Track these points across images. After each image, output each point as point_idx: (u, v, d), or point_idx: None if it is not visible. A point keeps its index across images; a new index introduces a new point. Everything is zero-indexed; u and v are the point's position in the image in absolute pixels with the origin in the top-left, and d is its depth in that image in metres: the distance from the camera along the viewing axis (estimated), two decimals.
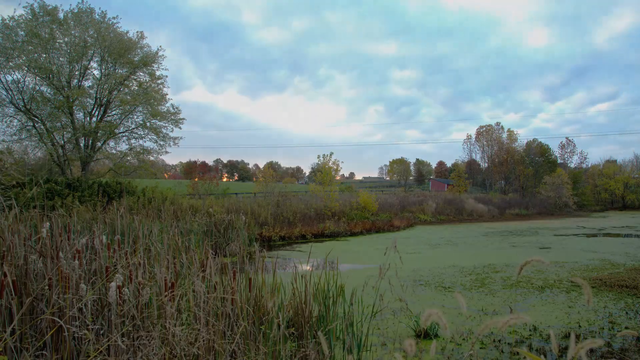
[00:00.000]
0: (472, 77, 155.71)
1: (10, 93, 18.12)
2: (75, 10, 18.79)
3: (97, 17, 19.24)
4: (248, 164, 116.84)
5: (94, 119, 19.97)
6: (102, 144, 20.23)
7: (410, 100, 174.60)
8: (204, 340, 2.86)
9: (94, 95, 19.57)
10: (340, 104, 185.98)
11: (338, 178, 27.22)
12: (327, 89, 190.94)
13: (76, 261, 3.08)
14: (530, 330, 5.16)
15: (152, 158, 22.00)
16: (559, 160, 49.32)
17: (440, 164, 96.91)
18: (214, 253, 4.15)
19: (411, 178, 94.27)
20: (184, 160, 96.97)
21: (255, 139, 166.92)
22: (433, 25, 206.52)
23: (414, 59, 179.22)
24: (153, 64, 20.65)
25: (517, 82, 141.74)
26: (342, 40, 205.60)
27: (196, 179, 25.90)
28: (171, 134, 21.26)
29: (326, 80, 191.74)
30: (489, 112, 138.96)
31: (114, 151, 21.07)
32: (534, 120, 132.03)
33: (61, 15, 18.55)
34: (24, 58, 17.51)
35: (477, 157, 56.36)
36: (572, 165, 50.58)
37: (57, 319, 2.62)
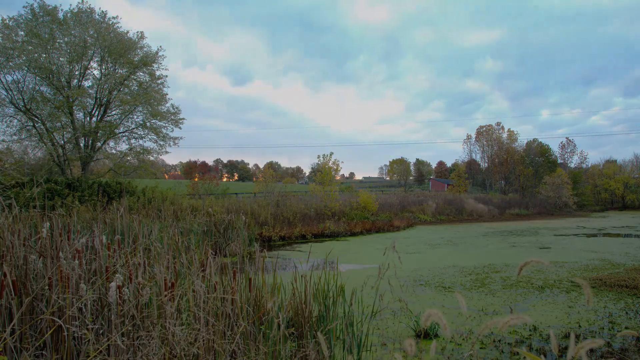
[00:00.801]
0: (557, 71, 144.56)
1: (10, 93, 18.12)
2: (75, 10, 18.80)
3: (97, 17, 19.25)
4: (248, 164, 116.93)
5: (94, 119, 19.97)
6: (102, 144, 20.23)
7: (477, 96, 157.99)
8: (203, 340, 2.86)
9: (94, 95, 19.57)
10: (400, 99, 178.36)
11: (338, 178, 27.22)
12: (396, 83, 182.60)
13: (76, 261, 3.08)
14: (530, 330, 5.15)
15: (152, 158, 22.00)
16: (559, 160, 49.31)
17: (440, 164, 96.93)
18: (213, 253, 4.15)
19: (411, 178, 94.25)
20: (192, 159, 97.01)
21: (295, 136, 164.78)
22: (530, 18, 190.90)
23: (504, 51, 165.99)
24: (153, 64, 20.65)
25: None
26: (438, 27, 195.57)
27: (196, 179, 25.90)
28: (171, 134, 21.28)
29: (402, 72, 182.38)
30: (553, 109, 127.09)
31: (114, 151, 21.09)
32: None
33: (61, 15, 18.56)
34: (24, 58, 17.52)
35: (477, 157, 56.45)
36: (572, 165, 50.59)
37: (56, 319, 2.62)
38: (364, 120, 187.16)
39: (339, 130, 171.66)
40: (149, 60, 20.39)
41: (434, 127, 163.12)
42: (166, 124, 21.04)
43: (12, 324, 2.44)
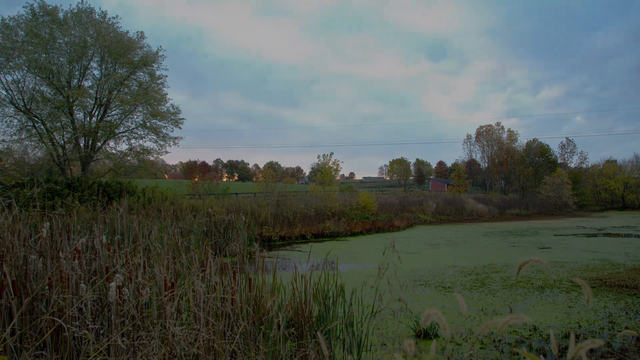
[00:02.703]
0: None
1: (10, 93, 18.12)
2: (75, 10, 18.79)
3: (97, 17, 19.24)
4: (248, 164, 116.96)
5: (94, 119, 19.97)
6: (102, 144, 20.22)
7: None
8: (203, 340, 2.86)
9: (94, 95, 19.57)
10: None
11: (338, 178, 27.22)
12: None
13: (76, 261, 3.08)
14: (530, 330, 5.15)
15: (152, 158, 22.00)
16: (559, 160, 49.31)
17: (440, 164, 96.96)
18: (213, 253, 4.15)
19: (411, 178, 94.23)
20: (192, 159, 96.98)
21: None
22: None
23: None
24: (153, 64, 20.65)
25: None
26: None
27: (196, 179, 25.90)
28: (171, 134, 21.28)
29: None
30: None
31: (114, 151, 21.08)
32: None
33: (61, 15, 18.55)
34: (24, 58, 17.51)
35: (477, 157, 56.44)
36: (572, 165, 50.59)
37: (57, 319, 2.62)
38: None
39: None
40: (149, 60, 20.38)
41: None
42: (166, 124, 21.04)
43: (12, 324, 2.44)
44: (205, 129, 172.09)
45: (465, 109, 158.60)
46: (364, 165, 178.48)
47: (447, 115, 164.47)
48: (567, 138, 53.62)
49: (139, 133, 20.91)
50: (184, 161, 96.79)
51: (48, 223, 3.70)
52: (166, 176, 71.26)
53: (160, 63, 20.93)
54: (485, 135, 52.51)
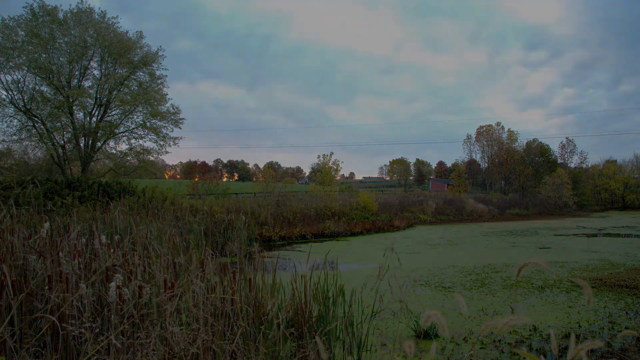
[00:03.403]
0: None
1: (10, 93, 18.13)
2: (75, 10, 18.79)
3: (96, 17, 19.24)
4: (248, 164, 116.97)
5: (94, 119, 19.97)
6: (102, 144, 20.22)
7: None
8: (203, 341, 2.86)
9: (94, 95, 19.57)
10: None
11: (338, 178, 27.22)
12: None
13: (76, 261, 3.08)
14: (530, 330, 5.15)
15: (152, 158, 22.00)
16: (559, 160, 49.31)
17: (440, 164, 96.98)
18: (213, 253, 4.14)
19: (411, 178, 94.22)
20: (192, 159, 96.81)
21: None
22: None
23: None
24: (153, 64, 20.65)
25: None
26: None
27: (196, 179, 25.90)
28: (171, 134, 21.28)
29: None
30: None
31: (114, 151, 21.08)
32: None
33: (61, 15, 18.55)
34: (24, 58, 17.51)
35: (477, 157, 56.41)
36: (572, 165, 50.57)
37: (53, 318, 2.62)
38: None
39: None
40: (149, 60, 20.38)
41: None
42: (166, 124, 21.05)
43: (11, 323, 2.44)
44: (256, 126, 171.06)
45: (528, 105, 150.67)
46: (363, 165, 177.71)
47: (503, 112, 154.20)
48: (567, 138, 53.65)
49: (139, 133, 20.92)
50: (224, 159, 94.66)
51: (48, 223, 3.70)
52: (166, 176, 71.20)
53: (160, 63, 20.95)
54: (485, 135, 52.49)
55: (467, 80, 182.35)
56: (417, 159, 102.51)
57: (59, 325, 2.75)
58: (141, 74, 20.76)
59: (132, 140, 20.96)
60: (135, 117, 20.69)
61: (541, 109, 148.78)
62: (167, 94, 21.19)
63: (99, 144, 20.04)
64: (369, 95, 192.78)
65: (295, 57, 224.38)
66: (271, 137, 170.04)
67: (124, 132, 20.73)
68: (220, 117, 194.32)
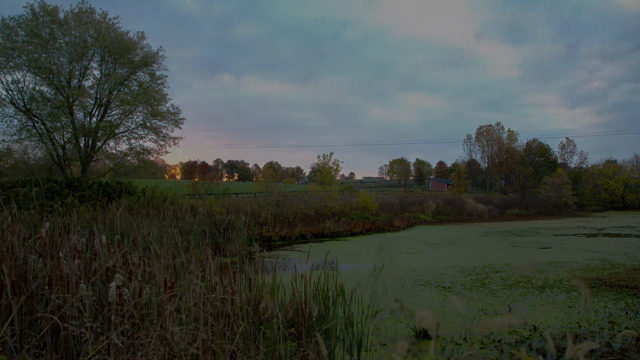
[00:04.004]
0: None
1: (10, 93, 18.14)
2: (76, 10, 18.80)
3: (97, 17, 19.25)
4: (248, 164, 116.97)
5: (94, 119, 19.98)
6: (102, 144, 20.23)
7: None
8: (203, 340, 2.86)
9: (94, 95, 19.57)
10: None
11: (338, 178, 27.21)
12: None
13: (76, 261, 3.09)
14: (530, 330, 5.16)
15: (152, 158, 22.02)
16: (559, 160, 49.29)
17: (440, 164, 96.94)
18: (213, 253, 4.16)
19: (411, 178, 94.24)
20: (192, 159, 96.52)
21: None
22: None
23: None
24: (153, 64, 20.66)
25: None
26: None
27: (196, 179, 25.91)
28: (171, 134, 21.29)
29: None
30: None
31: (114, 151, 21.09)
32: None
33: (61, 15, 18.56)
34: (24, 58, 17.52)
35: (477, 157, 56.42)
36: (572, 165, 50.56)
37: (56, 319, 2.62)
38: None
39: None
40: (149, 60, 20.39)
41: None
42: (166, 124, 21.05)
43: (10, 322, 2.44)
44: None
45: (581, 102, 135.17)
46: (364, 165, 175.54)
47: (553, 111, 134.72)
48: (567, 138, 53.64)
49: (139, 133, 20.93)
50: (224, 160, 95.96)
51: (48, 223, 3.71)
52: (166, 176, 71.17)
53: (161, 63, 20.96)
54: (485, 135, 52.50)
55: (531, 74, 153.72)
56: (417, 159, 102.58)
57: (60, 325, 2.75)
58: (141, 74, 20.78)
59: (132, 140, 20.99)
60: (135, 117, 20.72)
61: (594, 105, 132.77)
62: (167, 94, 21.22)
63: (99, 144, 20.04)
64: (418, 91, 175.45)
65: (361, 48, 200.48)
66: (297, 136, 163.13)
67: (124, 132, 20.74)
68: (252, 114, 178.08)
